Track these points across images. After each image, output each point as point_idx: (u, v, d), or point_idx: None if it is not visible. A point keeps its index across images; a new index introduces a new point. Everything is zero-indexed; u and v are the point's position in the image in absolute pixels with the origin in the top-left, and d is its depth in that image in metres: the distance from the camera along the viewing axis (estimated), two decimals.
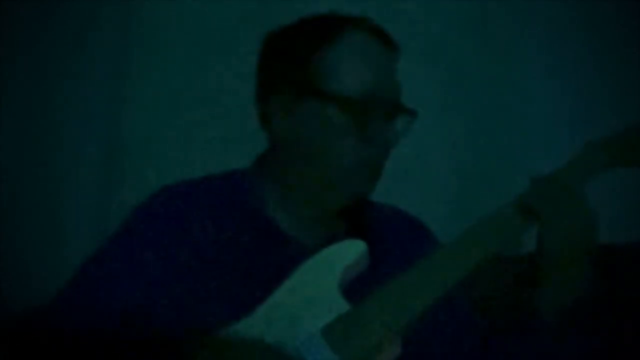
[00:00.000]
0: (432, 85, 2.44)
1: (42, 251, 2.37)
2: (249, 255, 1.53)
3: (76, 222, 2.40)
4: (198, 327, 1.40)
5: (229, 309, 1.43)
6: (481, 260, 1.45)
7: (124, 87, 2.45)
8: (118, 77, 2.44)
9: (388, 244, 1.59)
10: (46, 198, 2.40)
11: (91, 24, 2.42)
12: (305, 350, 1.36)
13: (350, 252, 1.46)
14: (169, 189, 1.59)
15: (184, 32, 2.43)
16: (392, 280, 1.42)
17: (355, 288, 1.44)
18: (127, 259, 1.49)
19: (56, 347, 1.39)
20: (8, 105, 2.40)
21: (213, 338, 1.36)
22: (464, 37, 2.45)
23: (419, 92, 2.43)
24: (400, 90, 1.57)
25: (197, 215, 1.55)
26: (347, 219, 1.60)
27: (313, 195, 1.56)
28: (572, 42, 2.41)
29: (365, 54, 1.54)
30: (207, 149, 2.36)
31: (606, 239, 2.02)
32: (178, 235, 1.52)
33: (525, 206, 1.48)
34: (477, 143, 2.44)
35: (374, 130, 1.53)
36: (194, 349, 1.34)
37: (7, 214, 2.37)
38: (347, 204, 1.57)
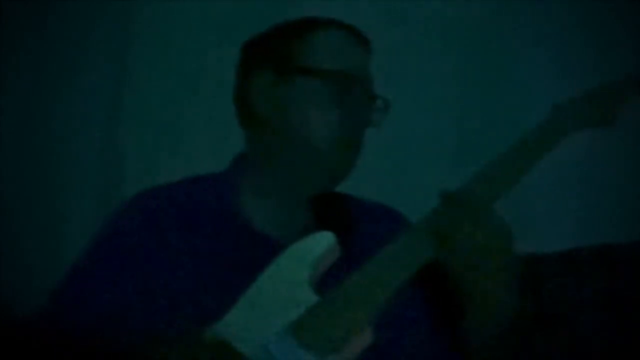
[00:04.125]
0: (428, 76, 2.45)
1: (42, 252, 2.37)
2: (225, 257, 1.54)
3: (76, 224, 2.40)
4: (174, 329, 1.41)
5: (206, 311, 1.44)
6: (397, 284, 1.42)
7: (123, 86, 2.45)
8: (118, 78, 2.45)
9: (366, 238, 1.59)
10: (46, 199, 2.40)
11: (91, 25, 2.43)
12: (275, 349, 1.35)
13: (319, 244, 1.45)
14: (143, 194, 1.61)
15: (184, 34, 2.44)
16: (356, 270, 1.42)
17: (333, 284, 1.43)
18: (105, 266, 1.51)
19: (46, 352, 1.40)
20: (8, 106, 2.40)
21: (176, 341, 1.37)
22: (468, 42, 2.45)
23: (418, 81, 2.44)
24: (373, 84, 1.64)
25: (173, 218, 1.56)
26: (322, 214, 1.61)
27: (292, 181, 1.59)
28: (575, 33, 2.41)
29: (341, 43, 1.62)
30: (206, 152, 2.36)
31: (606, 239, 2.03)
32: (154, 239, 1.54)
33: (433, 227, 1.44)
34: (472, 134, 2.45)
35: (354, 107, 1.59)
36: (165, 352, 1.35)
37: (7, 215, 2.37)
38: (326, 185, 1.61)
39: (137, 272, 1.51)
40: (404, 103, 2.41)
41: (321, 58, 1.60)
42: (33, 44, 2.41)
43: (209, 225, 1.56)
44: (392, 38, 2.43)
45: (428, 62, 2.45)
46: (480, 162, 2.40)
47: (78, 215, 2.41)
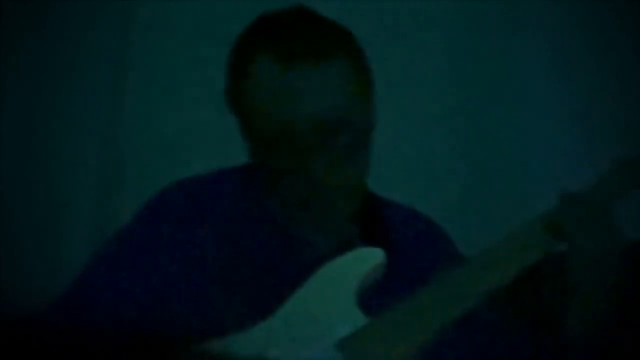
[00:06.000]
0: (436, 85, 2.45)
1: (42, 252, 2.36)
2: (258, 257, 1.50)
3: (76, 223, 2.40)
4: (206, 330, 1.37)
5: (236, 311, 1.42)
6: (505, 278, 1.41)
7: (123, 86, 2.45)
8: (118, 78, 2.45)
9: (403, 247, 1.54)
10: (46, 199, 2.40)
11: (91, 25, 2.43)
12: None
13: (367, 260, 1.40)
14: (174, 187, 1.56)
15: (185, 34, 2.44)
16: (412, 294, 1.37)
17: (370, 293, 1.40)
18: (134, 258, 1.47)
19: (59, 347, 1.38)
20: (8, 106, 2.40)
21: (210, 350, 1.32)
22: (467, 39, 2.45)
23: (422, 91, 2.44)
24: (342, 102, 1.42)
25: (206, 213, 1.52)
26: (361, 220, 1.54)
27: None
28: (574, 41, 2.41)
29: (275, 86, 1.40)
30: (207, 152, 2.36)
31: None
32: (185, 234, 1.50)
33: (554, 225, 1.44)
34: (480, 143, 2.44)
35: (312, 159, 1.41)
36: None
37: (7, 215, 2.37)
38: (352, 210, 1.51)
39: (166, 265, 1.47)
40: (401, 107, 2.43)
41: (255, 119, 1.42)
42: (33, 44, 2.41)
43: (243, 222, 1.51)
44: (391, 40, 2.43)
45: (426, 63, 2.45)
46: (479, 164, 2.43)
47: (78, 215, 2.41)
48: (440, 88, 2.44)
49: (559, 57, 2.42)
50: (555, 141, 2.41)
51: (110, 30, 2.44)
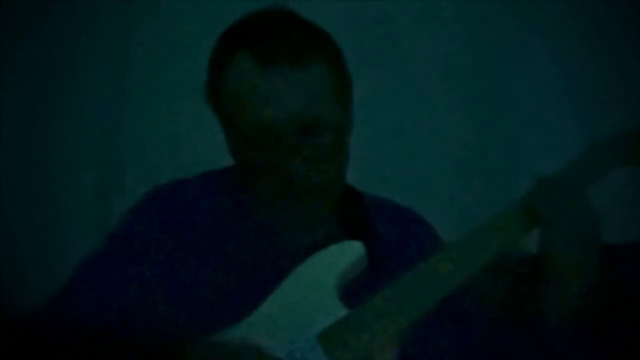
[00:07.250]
0: (434, 85, 2.45)
1: (42, 252, 2.37)
2: (243, 255, 1.51)
3: (76, 223, 2.40)
4: (193, 328, 1.38)
5: (224, 310, 1.42)
6: (484, 263, 1.42)
7: (123, 87, 2.45)
8: (118, 78, 2.45)
9: (385, 239, 1.56)
10: (46, 199, 2.41)
11: (91, 25, 2.43)
12: (300, 356, 1.33)
13: (347, 254, 1.42)
14: (160, 189, 1.57)
15: (185, 34, 2.44)
16: (390, 283, 1.39)
17: (354, 287, 1.42)
18: (122, 261, 1.48)
19: (51, 348, 1.38)
20: (8, 107, 2.40)
21: (205, 342, 1.33)
22: (466, 36, 2.45)
23: (420, 91, 2.44)
24: (321, 103, 1.45)
25: (190, 214, 1.53)
26: (343, 215, 1.56)
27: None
28: (574, 39, 2.41)
29: (253, 85, 1.44)
30: (207, 152, 2.35)
31: (606, 239, 2.03)
32: (171, 235, 1.51)
33: (529, 208, 1.45)
34: (477, 141, 2.45)
35: (281, 158, 1.45)
36: (186, 352, 1.32)
37: (7, 215, 2.37)
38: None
39: (153, 265, 1.48)
40: (399, 106, 2.43)
41: (235, 114, 1.46)
42: (33, 44, 2.42)
43: (227, 221, 1.52)
44: (391, 40, 2.43)
45: (426, 62, 2.45)
46: (480, 164, 2.43)
47: (78, 215, 2.41)
48: (440, 88, 2.45)
49: (559, 57, 2.43)
50: (556, 140, 2.41)
51: (110, 30, 2.45)
